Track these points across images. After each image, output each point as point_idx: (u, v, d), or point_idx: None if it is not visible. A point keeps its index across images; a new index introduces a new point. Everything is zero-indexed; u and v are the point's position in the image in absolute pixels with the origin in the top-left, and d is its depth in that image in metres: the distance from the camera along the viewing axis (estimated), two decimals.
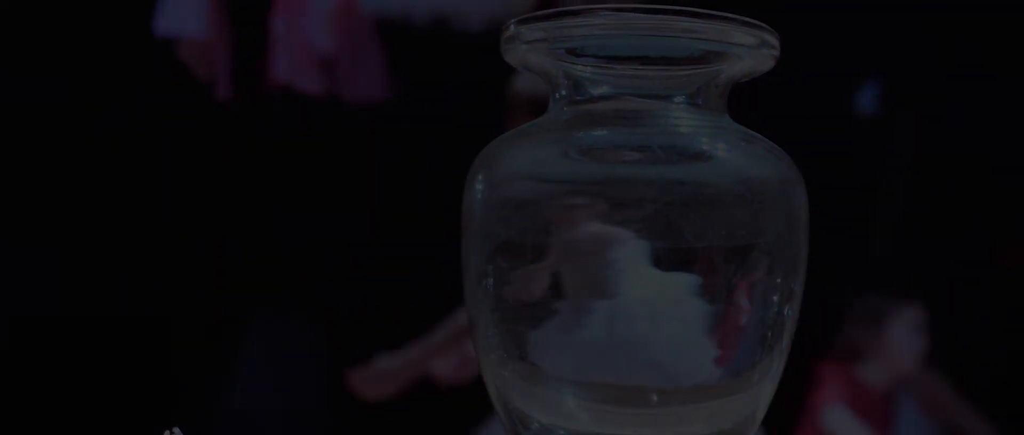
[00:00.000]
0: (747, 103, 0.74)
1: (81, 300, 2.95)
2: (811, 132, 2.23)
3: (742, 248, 0.61)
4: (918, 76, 3.12)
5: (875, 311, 2.76)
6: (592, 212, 0.60)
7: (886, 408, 2.78)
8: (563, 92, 0.65)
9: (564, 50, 0.63)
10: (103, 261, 2.99)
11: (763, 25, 0.62)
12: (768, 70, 0.65)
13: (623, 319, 0.60)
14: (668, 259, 0.60)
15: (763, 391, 0.63)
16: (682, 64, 0.63)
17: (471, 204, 0.64)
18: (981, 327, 2.95)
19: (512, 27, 0.63)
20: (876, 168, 3.24)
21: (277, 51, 2.70)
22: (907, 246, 2.96)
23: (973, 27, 3.00)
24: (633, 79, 0.63)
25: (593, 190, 0.61)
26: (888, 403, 2.79)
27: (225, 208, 3.04)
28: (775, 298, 0.62)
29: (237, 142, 2.97)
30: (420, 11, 2.68)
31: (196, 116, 2.88)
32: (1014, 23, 2.95)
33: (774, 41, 0.63)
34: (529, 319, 0.61)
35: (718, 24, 0.61)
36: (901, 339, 2.74)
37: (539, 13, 0.62)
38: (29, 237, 2.97)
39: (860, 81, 3.31)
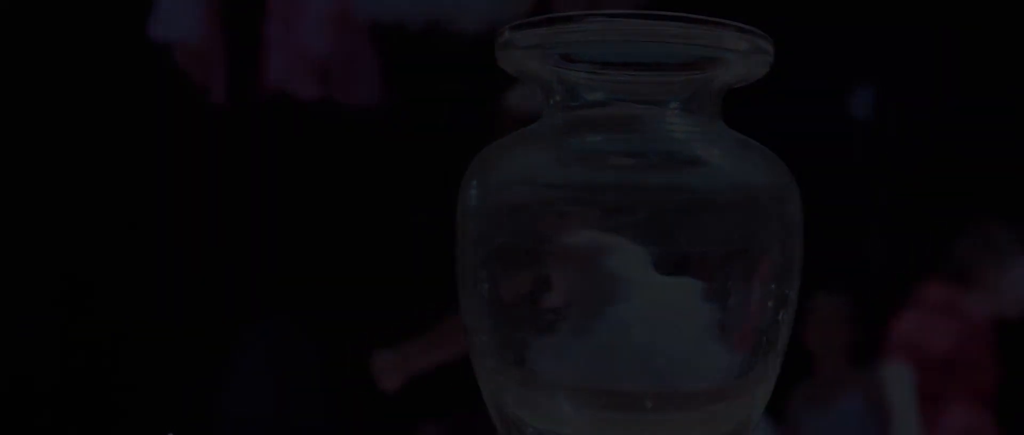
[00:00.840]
0: (741, 109, 0.74)
1: (79, 302, 2.95)
2: (805, 138, 2.23)
3: (736, 254, 0.61)
4: (912, 81, 3.13)
5: (1001, 244, 2.65)
6: (586, 218, 0.60)
7: (984, 342, 2.65)
8: (557, 98, 0.64)
9: (558, 56, 0.63)
10: (101, 263, 2.98)
11: (757, 31, 0.63)
12: (762, 76, 0.65)
13: (619, 325, 0.60)
14: (663, 265, 0.60)
15: (758, 396, 0.63)
16: (676, 70, 0.63)
17: (465, 209, 0.64)
18: None
19: (507, 33, 0.63)
20: (870, 173, 3.24)
21: (272, 56, 2.70)
22: (900, 251, 2.96)
23: (968, 31, 3.00)
24: (627, 85, 0.63)
25: (587, 196, 0.61)
26: (986, 336, 2.65)
27: (222, 211, 3.04)
28: (770, 304, 0.62)
29: (233, 146, 2.97)
30: (415, 16, 2.68)
31: (192, 120, 2.88)
32: (1008, 28, 2.95)
33: (768, 47, 0.63)
34: (525, 324, 0.61)
35: (712, 30, 0.61)
36: (1021, 280, 2.65)
37: (534, 19, 0.62)
38: (28, 239, 2.97)
39: (854, 87, 3.31)
